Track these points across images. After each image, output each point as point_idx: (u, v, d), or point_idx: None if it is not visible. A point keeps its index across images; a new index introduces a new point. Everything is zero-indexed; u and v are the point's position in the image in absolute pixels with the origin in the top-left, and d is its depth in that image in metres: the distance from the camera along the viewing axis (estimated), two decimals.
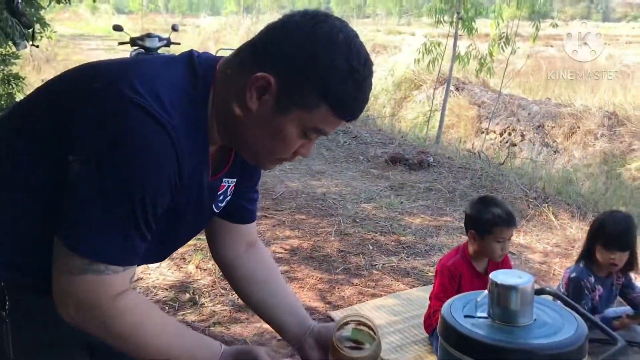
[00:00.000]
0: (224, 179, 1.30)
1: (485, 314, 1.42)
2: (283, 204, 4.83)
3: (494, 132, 11.68)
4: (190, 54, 1.18)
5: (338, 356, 1.31)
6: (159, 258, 1.39)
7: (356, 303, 3.23)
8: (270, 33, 1.12)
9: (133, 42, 6.30)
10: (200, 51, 1.23)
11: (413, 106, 13.22)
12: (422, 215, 4.65)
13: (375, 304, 3.19)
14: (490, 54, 7.85)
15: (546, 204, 4.82)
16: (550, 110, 11.57)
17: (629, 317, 2.69)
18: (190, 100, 1.11)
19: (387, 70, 12.95)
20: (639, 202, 6.19)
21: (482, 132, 11.09)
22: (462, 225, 4.39)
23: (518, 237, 4.26)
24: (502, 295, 1.38)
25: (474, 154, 7.15)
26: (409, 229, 4.33)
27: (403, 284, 3.48)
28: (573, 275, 2.70)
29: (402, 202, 4.96)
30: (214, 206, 1.32)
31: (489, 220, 2.55)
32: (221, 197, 1.33)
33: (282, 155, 1.19)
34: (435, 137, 8.24)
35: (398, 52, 15.22)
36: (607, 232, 2.62)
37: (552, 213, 4.65)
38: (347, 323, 1.40)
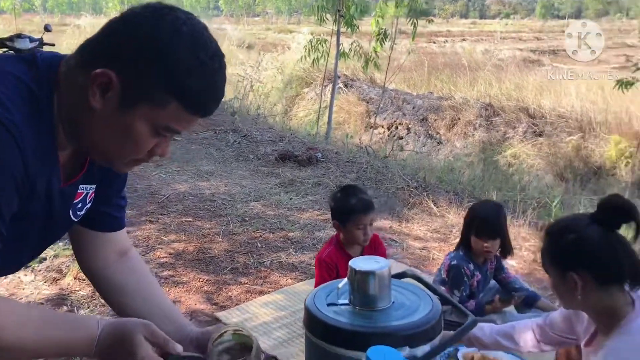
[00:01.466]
0: (81, 186, 1.23)
1: (346, 301, 1.46)
2: (169, 207, 4.71)
3: (382, 126, 12.08)
4: (33, 53, 1.12)
5: None
6: (12, 269, 1.31)
7: (244, 302, 3.21)
8: (111, 28, 1.07)
9: (1, 43, 5.88)
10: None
11: (304, 104, 13.37)
12: (311, 210, 4.71)
13: (262, 301, 3.20)
14: (375, 50, 8.08)
15: (426, 193, 5.04)
16: (433, 104, 12.13)
17: (500, 300, 2.87)
18: (33, 101, 1.04)
19: (276, 68, 12.97)
20: (512, 186, 6.63)
21: (371, 127, 11.43)
22: None
23: (400, 226, 4.43)
24: (360, 281, 1.42)
25: (361, 148, 7.34)
26: (297, 225, 4.37)
27: (291, 278, 3.51)
28: (454, 262, 2.84)
29: (291, 199, 5.00)
30: (71, 214, 1.25)
31: (347, 209, 2.63)
32: (79, 205, 1.26)
33: (135, 155, 1.13)
34: (325, 134, 8.38)
35: (288, 50, 15.32)
36: (478, 222, 2.78)
37: (432, 201, 4.87)
38: (222, 334, 1.35)
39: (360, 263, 1.43)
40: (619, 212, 1.57)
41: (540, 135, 10.28)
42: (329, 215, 4.56)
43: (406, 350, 1.31)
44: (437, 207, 4.77)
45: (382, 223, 4.49)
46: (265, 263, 3.71)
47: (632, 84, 6.42)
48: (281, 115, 10.71)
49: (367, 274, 1.40)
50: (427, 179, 5.61)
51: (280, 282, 3.47)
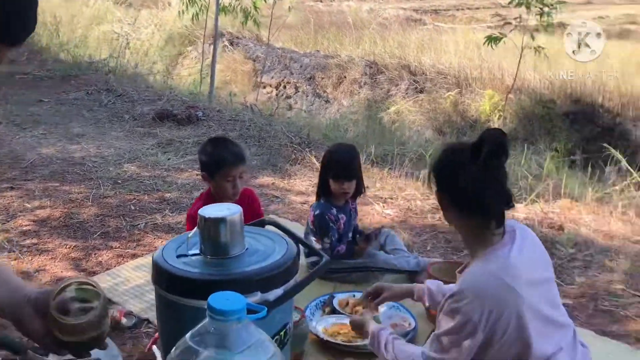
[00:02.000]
0: None
1: (197, 251, 1.39)
2: (34, 172, 4.36)
3: (270, 85, 11.93)
4: None
5: (58, 325, 1.14)
6: None
7: (115, 266, 3.05)
8: None
9: None
10: None
11: (188, 62, 12.87)
12: (190, 170, 4.55)
13: (134, 264, 3.05)
14: (255, 6, 7.86)
15: (309, 149, 5.03)
16: (320, 62, 12.11)
17: (364, 241, 2.92)
18: None
19: (155, 25, 12.33)
20: (394, 140, 6.80)
21: (258, 86, 11.25)
22: None
23: (283, 182, 4.40)
24: (211, 229, 1.35)
25: (246, 107, 7.19)
26: (174, 185, 4.21)
27: (166, 240, 3.35)
28: (317, 212, 2.85)
29: (169, 159, 4.80)
30: None
31: (215, 160, 2.55)
32: None
33: None
34: (208, 93, 8.12)
35: (168, 6, 14.62)
36: (335, 165, 2.81)
37: (315, 157, 4.87)
38: (68, 285, 1.22)
39: (210, 211, 1.36)
40: (491, 147, 1.61)
41: (421, 92, 10.59)
42: None
43: (257, 295, 1.27)
44: (319, 162, 4.77)
45: (264, 180, 4.43)
46: (139, 226, 3.54)
47: (499, 39, 6.72)
48: (162, 74, 10.22)
49: (216, 222, 1.33)
50: (311, 136, 5.60)
51: (155, 244, 3.32)
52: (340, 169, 2.82)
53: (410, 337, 2.39)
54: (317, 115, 10.23)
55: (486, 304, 1.53)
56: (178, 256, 1.36)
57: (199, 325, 1.08)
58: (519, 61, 7.33)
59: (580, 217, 3.86)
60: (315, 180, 4.31)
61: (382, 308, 2.60)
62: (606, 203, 4.20)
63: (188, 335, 1.07)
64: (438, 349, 1.64)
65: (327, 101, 11.50)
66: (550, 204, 4.04)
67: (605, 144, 5.80)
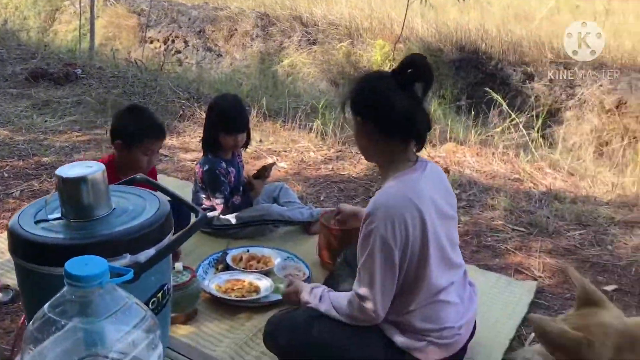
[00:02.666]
0: None
1: (58, 215, 1.28)
2: None
3: (158, 40, 11.39)
4: None
5: None
6: None
7: None
8: None
9: None
10: None
11: (67, 18, 11.99)
12: (69, 132, 4.26)
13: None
14: None
15: (198, 104, 4.86)
16: (209, 15, 11.68)
17: (253, 177, 2.88)
18: None
19: None
20: (291, 93, 6.73)
21: (145, 42, 10.70)
22: None
23: (171, 139, 4.23)
24: (71, 190, 1.24)
25: (131, 63, 6.82)
26: (52, 149, 3.93)
27: None
28: (206, 167, 2.75)
29: (46, 121, 4.47)
30: None
31: (137, 132, 2.39)
32: None
33: None
34: (89, 50, 7.61)
35: None
36: (226, 118, 2.71)
37: (204, 111, 4.71)
38: None
39: (68, 170, 1.25)
40: (414, 70, 1.64)
41: (314, 44, 10.53)
42: (90, 136, 4.19)
43: (127, 258, 1.19)
44: None
45: None
46: (13, 194, 3.28)
47: None
48: (36, 30, 9.45)
49: (76, 181, 1.22)
50: (202, 91, 5.41)
51: None
52: (232, 122, 2.72)
53: None
54: (209, 69, 9.92)
55: (395, 219, 1.58)
56: (37, 222, 1.24)
57: (58, 295, 0.99)
58: (406, 10, 7.43)
59: (464, 159, 4.02)
60: None
61: (276, 260, 2.59)
62: (488, 145, 4.40)
63: (46, 306, 0.98)
64: (365, 282, 1.66)
65: (219, 55, 11.18)
66: (437, 148, 4.18)
67: (487, 89, 6.05)
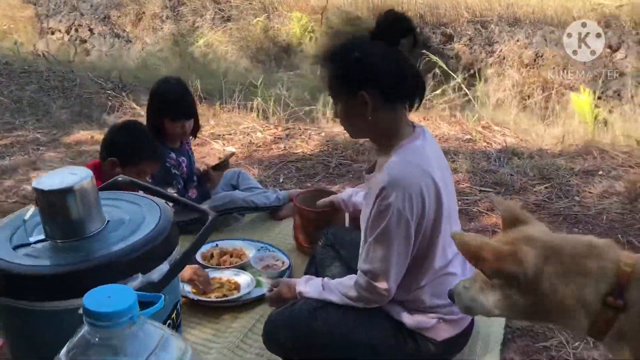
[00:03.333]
0: None
1: (42, 236, 1.06)
2: None
3: (60, 30, 10.67)
4: None
5: None
6: None
7: None
8: None
9: None
10: None
11: None
12: None
13: None
14: None
15: (126, 93, 4.52)
16: (113, 0, 11.05)
17: (212, 169, 2.68)
18: None
19: None
20: (213, 73, 6.45)
21: (46, 33, 9.98)
22: (39, 136, 3.81)
23: (102, 133, 3.88)
24: (56, 204, 1.02)
25: (39, 56, 6.28)
26: None
27: None
28: None
29: None
30: None
31: (137, 152, 2.16)
32: None
33: None
34: None
35: None
36: (170, 104, 2.48)
37: (134, 101, 4.39)
38: None
39: (48, 180, 1.02)
40: (397, 26, 1.51)
41: (228, 20, 10.18)
42: (11, 139, 3.79)
43: (138, 279, 0.99)
44: (140, 107, 4.31)
45: (80, 135, 3.89)
46: None
47: None
48: None
49: (62, 194, 1.01)
50: (123, 79, 5.05)
51: None
52: (178, 108, 2.49)
53: (287, 275, 2.26)
54: (121, 57, 9.39)
55: (412, 191, 1.47)
56: (16, 247, 1.02)
57: (76, 338, 0.80)
58: None
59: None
60: None
61: (250, 252, 2.42)
62: (432, 108, 4.36)
63: (62, 353, 0.79)
64: (378, 259, 1.55)
65: (128, 41, 10.60)
66: None
67: (425, 51, 6.02)
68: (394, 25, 1.52)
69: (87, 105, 4.34)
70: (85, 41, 10.54)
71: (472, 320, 1.79)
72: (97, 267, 0.97)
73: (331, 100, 1.67)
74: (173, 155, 2.56)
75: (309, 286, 1.75)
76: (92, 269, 0.97)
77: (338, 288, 1.67)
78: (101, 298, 0.79)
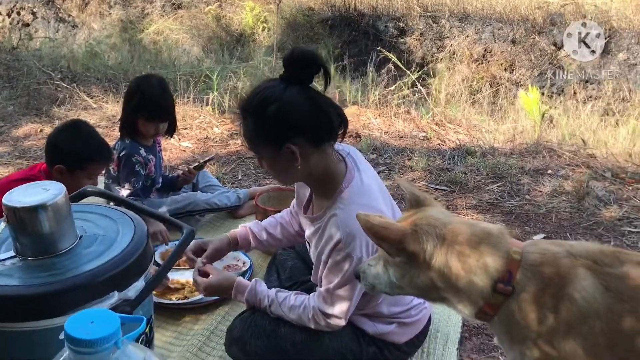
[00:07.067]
0: None
1: (11, 253, 1.03)
2: None
3: (0, 13, 10.21)
4: None
5: None
6: None
7: None
8: None
9: None
10: None
11: None
12: None
13: None
14: None
15: (76, 84, 4.38)
16: None
17: (195, 168, 2.66)
18: None
19: None
20: (164, 63, 6.32)
21: None
22: None
23: (51, 127, 3.77)
24: (28, 221, 1.00)
25: None
26: None
27: None
28: (123, 152, 2.45)
29: None
30: None
31: (83, 156, 2.07)
32: None
33: None
34: None
35: None
36: (149, 105, 2.41)
37: (85, 92, 4.26)
38: None
39: (19, 196, 1.00)
40: (306, 64, 1.43)
41: (179, 8, 9.99)
42: None
43: (115, 297, 0.98)
44: (92, 99, 4.19)
45: (27, 128, 3.76)
46: None
47: None
48: None
49: (34, 211, 0.98)
50: (73, 68, 4.89)
51: None
52: (156, 110, 2.43)
53: (248, 276, 2.26)
54: (67, 42, 9.07)
55: (364, 237, 1.43)
56: None
57: None
58: None
59: (369, 121, 4.00)
60: (95, 121, 3.80)
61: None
62: (387, 104, 4.42)
63: None
64: (337, 303, 1.56)
65: (74, 26, 10.26)
66: None
67: (379, 48, 6.08)
68: (303, 64, 1.43)
69: (35, 96, 4.18)
70: (27, 25, 10.14)
71: (429, 319, 1.85)
72: (73, 287, 0.96)
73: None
74: (142, 152, 2.50)
75: (251, 294, 1.69)
76: (67, 289, 0.95)
77: (292, 314, 1.63)
78: (84, 323, 0.78)
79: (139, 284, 1.01)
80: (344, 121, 1.50)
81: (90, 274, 0.97)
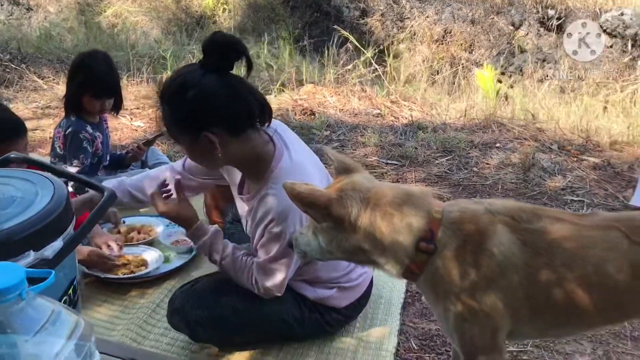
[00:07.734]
0: None
1: None
2: None
3: None
4: None
5: None
6: None
7: None
8: None
9: None
10: None
11: None
12: None
13: None
14: None
15: (26, 65, 4.29)
16: None
17: (144, 144, 2.64)
18: None
19: None
20: (119, 45, 6.21)
21: None
22: None
23: None
24: None
25: None
26: None
27: None
28: (69, 130, 2.42)
29: None
30: None
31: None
32: None
33: None
34: None
35: None
36: (95, 82, 2.38)
37: (35, 73, 4.18)
38: None
39: None
40: (227, 51, 1.39)
41: None
42: None
43: (31, 256, 0.98)
44: (43, 80, 4.12)
45: None
46: None
47: None
48: None
49: None
50: (24, 50, 4.78)
51: None
52: (102, 86, 2.40)
53: (195, 252, 2.26)
54: (21, 26, 8.84)
55: (300, 213, 1.42)
56: None
57: None
58: None
59: (325, 99, 4.02)
60: (44, 101, 3.74)
61: (159, 228, 2.40)
62: (344, 83, 4.44)
63: None
64: (272, 275, 1.58)
65: (29, 9, 9.99)
66: (296, 91, 4.13)
67: (336, 27, 6.07)
68: (223, 51, 1.39)
69: None
70: None
71: (371, 282, 1.89)
72: None
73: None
74: (89, 129, 2.47)
75: (211, 240, 1.66)
76: None
77: (238, 273, 1.64)
78: None
79: (57, 244, 1.01)
80: (265, 108, 1.49)
81: (4, 233, 0.97)
